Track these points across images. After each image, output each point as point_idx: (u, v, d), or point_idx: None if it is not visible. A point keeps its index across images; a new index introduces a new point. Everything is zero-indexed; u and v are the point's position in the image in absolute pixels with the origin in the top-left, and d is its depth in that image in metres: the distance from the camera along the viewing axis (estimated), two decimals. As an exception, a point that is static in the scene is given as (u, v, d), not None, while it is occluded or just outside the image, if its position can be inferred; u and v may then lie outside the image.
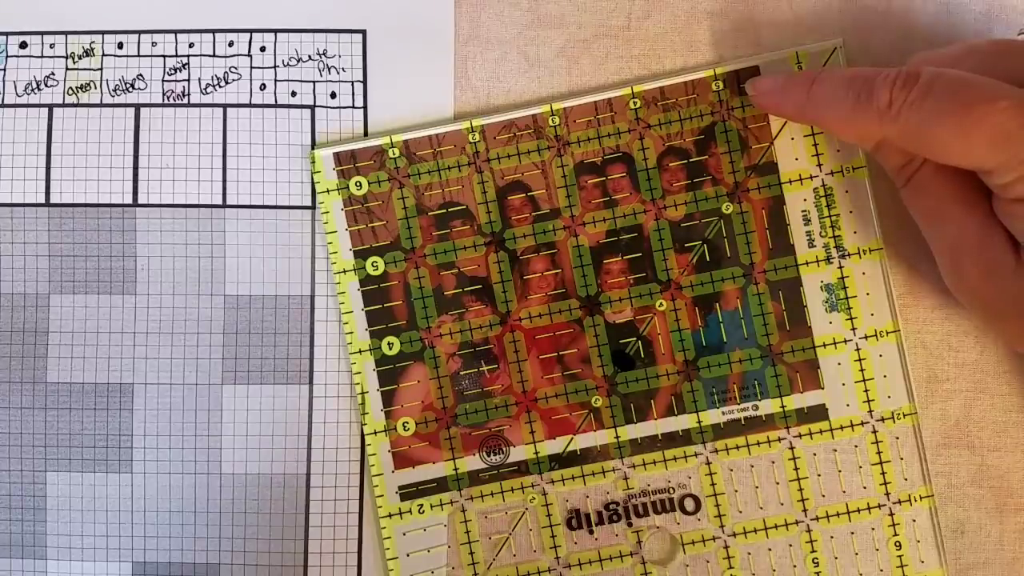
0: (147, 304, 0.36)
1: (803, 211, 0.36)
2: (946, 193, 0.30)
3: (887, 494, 0.35)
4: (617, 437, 0.35)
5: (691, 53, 0.36)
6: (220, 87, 0.37)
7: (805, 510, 0.35)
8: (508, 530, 0.36)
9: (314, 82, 0.37)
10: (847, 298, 0.35)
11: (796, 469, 0.35)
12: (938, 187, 0.31)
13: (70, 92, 0.37)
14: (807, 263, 0.35)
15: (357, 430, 0.36)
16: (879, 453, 0.35)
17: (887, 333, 0.35)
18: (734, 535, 0.35)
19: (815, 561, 0.35)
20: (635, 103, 0.36)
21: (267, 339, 0.36)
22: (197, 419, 0.36)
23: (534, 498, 0.36)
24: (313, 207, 0.36)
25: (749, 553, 0.35)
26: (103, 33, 0.37)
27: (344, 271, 0.36)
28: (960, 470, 0.35)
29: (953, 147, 0.28)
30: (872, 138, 0.31)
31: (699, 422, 0.35)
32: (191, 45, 0.37)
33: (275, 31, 0.37)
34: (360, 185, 0.36)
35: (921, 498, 0.35)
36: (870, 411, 0.35)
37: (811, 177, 0.36)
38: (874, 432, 0.35)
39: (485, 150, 0.36)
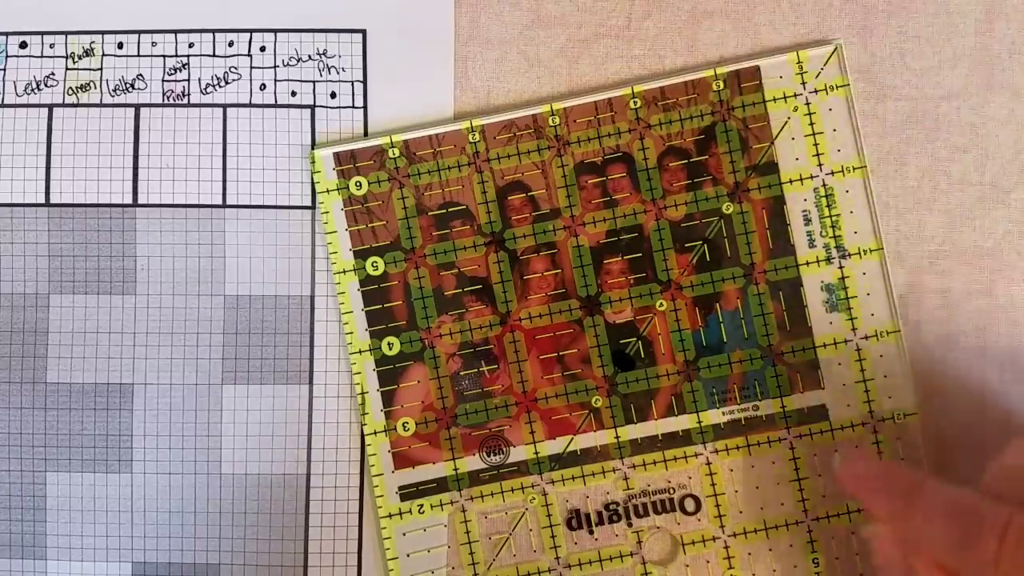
0: (147, 304, 0.36)
1: (803, 211, 0.35)
2: None
3: (887, 494, 0.35)
4: (617, 437, 0.35)
5: (691, 53, 0.36)
6: (220, 87, 0.37)
7: (805, 510, 0.35)
8: (508, 530, 0.36)
9: (314, 82, 0.37)
10: (847, 298, 0.35)
11: (796, 469, 0.35)
12: None
13: (70, 92, 0.37)
14: (807, 263, 0.35)
15: (357, 430, 0.36)
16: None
17: (887, 333, 0.35)
18: (734, 535, 0.35)
19: (815, 561, 0.35)
20: (635, 103, 0.36)
21: (267, 339, 0.36)
22: (197, 419, 0.36)
23: (534, 498, 0.36)
24: (313, 207, 0.36)
25: (749, 553, 0.35)
26: (103, 33, 0.37)
27: (344, 271, 0.36)
28: (960, 471, 0.35)
29: None
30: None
31: (699, 422, 0.35)
32: (191, 45, 0.37)
33: (275, 31, 0.37)
34: (360, 185, 0.36)
35: (921, 498, 0.35)
36: (870, 412, 0.35)
37: (811, 177, 0.35)
38: (875, 432, 0.35)
39: (485, 150, 0.36)
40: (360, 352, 0.36)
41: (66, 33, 0.37)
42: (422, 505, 0.35)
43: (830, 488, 0.35)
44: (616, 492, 0.35)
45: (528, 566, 0.35)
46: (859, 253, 0.35)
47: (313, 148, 0.36)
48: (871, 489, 0.30)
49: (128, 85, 0.37)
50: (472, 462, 0.36)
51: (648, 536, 0.35)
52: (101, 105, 0.37)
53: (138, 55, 0.37)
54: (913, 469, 0.31)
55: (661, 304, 0.36)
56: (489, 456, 0.36)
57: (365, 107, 0.37)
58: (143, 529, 0.36)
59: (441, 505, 0.35)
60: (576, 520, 0.36)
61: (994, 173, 0.36)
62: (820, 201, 0.35)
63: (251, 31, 0.37)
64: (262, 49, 0.37)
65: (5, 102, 0.37)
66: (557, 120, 0.36)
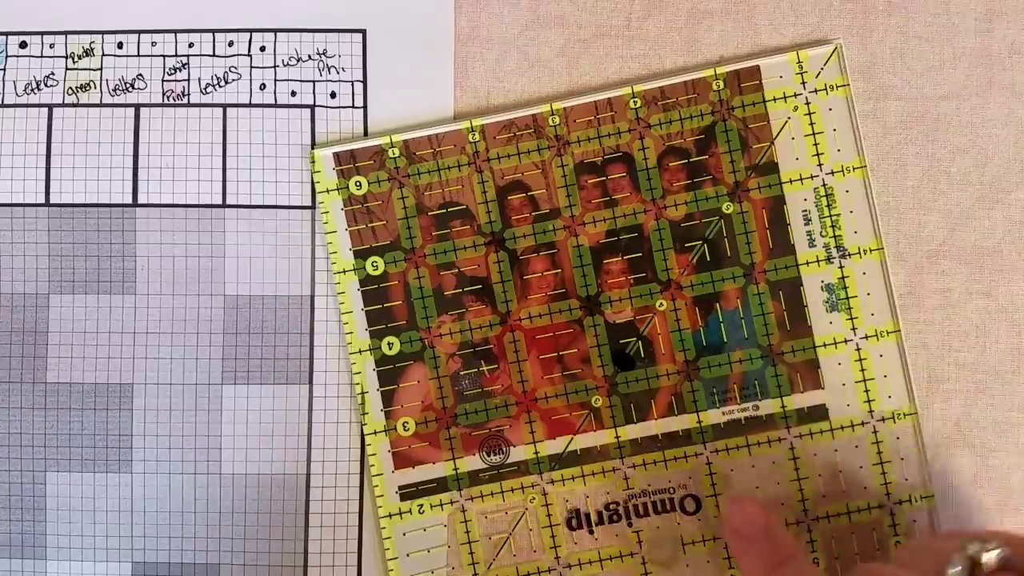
0: (147, 304, 0.36)
1: (803, 211, 0.35)
2: None
3: (887, 494, 0.35)
4: (617, 437, 0.35)
5: (691, 53, 0.36)
6: (220, 87, 0.37)
7: (806, 510, 0.35)
8: (508, 530, 0.36)
9: (314, 82, 0.37)
10: (847, 298, 0.35)
11: (796, 469, 0.35)
12: None
13: (70, 92, 0.37)
14: (807, 263, 0.35)
15: (357, 430, 0.36)
16: (879, 453, 0.35)
17: (887, 333, 0.35)
18: (734, 535, 0.35)
19: (816, 561, 0.35)
20: (635, 103, 0.36)
21: (267, 339, 0.36)
22: (197, 419, 0.36)
23: (534, 498, 0.36)
24: (313, 207, 0.36)
25: (749, 553, 0.35)
26: (103, 33, 0.37)
27: (344, 271, 0.36)
28: (960, 470, 0.35)
29: None
30: None
31: (699, 422, 0.35)
32: (191, 45, 0.37)
33: (275, 31, 0.37)
34: (360, 185, 0.36)
35: (922, 498, 0.35)
36: (871, 411, 0.35)
37: (812, 177, 0.35)
38: (875, 432, 0.35)
39: (485, 150, 0.36)
40: (360, 352, 0.36)
41: (66, 33, 0.37)
42: (422, 505, 0.35)
43: (830, 488, 0.35)
44: (616, 492, 0.35)
45: (528, 566, 0.35)
46: (859, 253, 0.35)
47: (313, 148, 0.36)
48: (744, 546, 0.31)
49: (128, 85, 0.37)
50: (472, 462, 0.36)
51: (648, 536, 0.35)
52: (101, 105, 0.37)
53: (138, 55, 0.37)
54: (790, 538, 0.31)
55: (661, 304, 0.36)
56: (489, 456, 0.36)
57: (365, 107, 0.37)
58: (143, 529, 0.36)
59: (441, 505, 0.35)
60: (576, 520, 0.36)
61: (994, 173, 0.36)
62: (820, 201, 0.35)
63: (251, 31, 0.37)
64: (262, 49, 0.37)
65: (5, 102, 0.37)
66: (557, 120, 0.36)
